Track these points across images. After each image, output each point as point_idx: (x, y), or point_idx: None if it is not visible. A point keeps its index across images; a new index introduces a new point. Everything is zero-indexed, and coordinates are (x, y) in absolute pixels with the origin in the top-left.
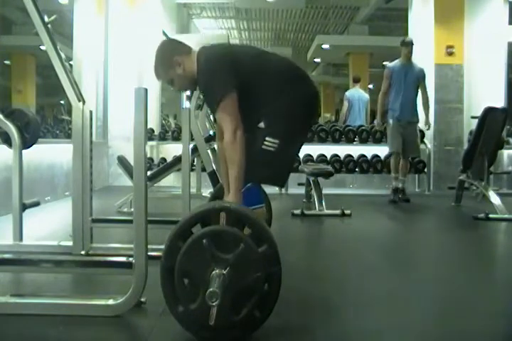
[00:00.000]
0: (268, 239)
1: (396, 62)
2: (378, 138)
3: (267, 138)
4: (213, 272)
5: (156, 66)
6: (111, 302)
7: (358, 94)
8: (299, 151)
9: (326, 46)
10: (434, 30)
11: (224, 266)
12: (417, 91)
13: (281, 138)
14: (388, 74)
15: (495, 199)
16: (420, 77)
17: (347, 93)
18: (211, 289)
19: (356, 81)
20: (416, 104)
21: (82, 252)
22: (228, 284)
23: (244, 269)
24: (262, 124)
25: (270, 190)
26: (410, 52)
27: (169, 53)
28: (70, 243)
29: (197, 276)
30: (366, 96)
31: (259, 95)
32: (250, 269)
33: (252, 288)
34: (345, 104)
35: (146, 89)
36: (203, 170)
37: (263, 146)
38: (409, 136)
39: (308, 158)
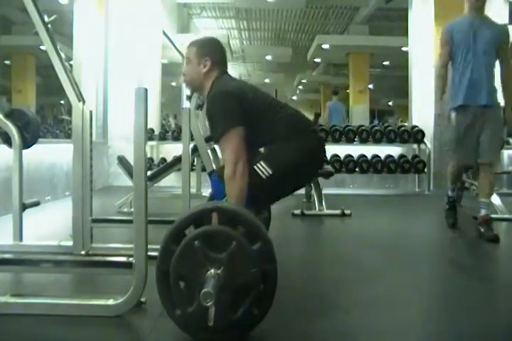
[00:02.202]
0: (262, 236)
1: (459, 20)
2: (378, 138)
3: (261, 162)
4: (208, 272)
5: (196, 44)
6: (111, 302)
7: (335, 105)
8: (286, 194)
9: (326, 46)
10: (434, 30)
11: (218, 266)
12: (495, 61)
13: (276, 171)
14: (446, 37)
15: (495, 199)
16: (500, 38)
17: (327, 103)
18: (205, 290)
19: (335, 93)
20: (493, 80)
21: (82, 252)
22: (224, 283)
23: (239, 267)
24: (262, 150)
25: None
26: (482, 1)
27: (212, 52)
28: (70, 243)
29: (192, 278)
30: (342, 108)
31: (265, 133)
32: (245, 267)
33: (248, 285)
34: (327, 111)
35: (146, 89)
36: (203, 170)
37: (255, 166)
38: (486, 129)
39: None
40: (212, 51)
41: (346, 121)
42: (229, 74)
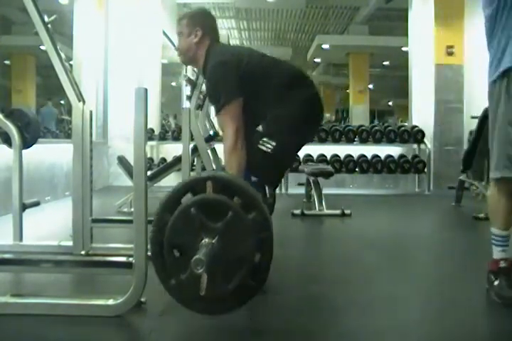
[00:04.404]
0: (257, 205)
1: None
2: (378, 138)
3: (264, 139)
4: (202, 241)
5: (186, 16)
6: (111, 302)
7: None
8: (297, 152)
9: (326, 46)
10: (434, 30)
11: (213, 236)
12: None
13: (278, 141)
14: None
15: None
16: None
17: None
18: (196, 256)
19: None
20: None
21: (82, 252)
22: (218, 252)
23: (234, 237)
24: (260, 128)
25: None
26: None
27: (201, 21)
28: (70, 243)
29: (186, 247)
30: None
31: (260, 100)
32: (240, 237)
33: (243, 255)
34: None
35: (146, 89)
36: (203, 170)
37: (259, 145)
38: None
39: (308, 158)
40: (202, 21)
41: None
42: (221, 42)
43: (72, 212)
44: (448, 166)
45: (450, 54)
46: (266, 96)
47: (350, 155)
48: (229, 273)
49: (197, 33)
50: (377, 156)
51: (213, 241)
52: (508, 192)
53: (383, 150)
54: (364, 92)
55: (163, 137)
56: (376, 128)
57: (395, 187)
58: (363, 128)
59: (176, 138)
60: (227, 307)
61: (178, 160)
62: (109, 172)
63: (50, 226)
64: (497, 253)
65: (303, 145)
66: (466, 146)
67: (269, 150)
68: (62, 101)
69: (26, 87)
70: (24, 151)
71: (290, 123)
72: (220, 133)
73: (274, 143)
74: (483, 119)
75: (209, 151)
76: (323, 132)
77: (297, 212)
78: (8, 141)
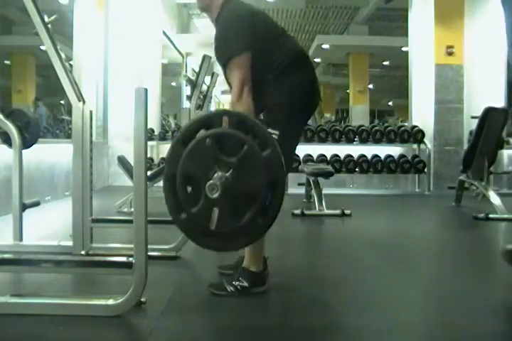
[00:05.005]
0: (272, 143)
1: None
2: (378, 138)
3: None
4: (216, 174)
5: None
6: (111, 302)
7: None
8: (298, 141)
9: (326, 46)
10: (434, 30)
11: (227, 169)
12: None
13: (281, 129)
14: None
15: (495, 199)
16: None
17: None
18: (211, 181)
19: None
20: None
21: (82, 252)
22: (230, 187)
23: (248, 172)
24: (261, 116)
25: None
26: None
27: None
28: (70, 243)
29: (199, 179)
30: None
31: (261, 72)
32: (253, 173)
33: (254, 192)
34: None
35: (146, 89)
36: None
37: None
38: None
39: (308, 158)
40: None
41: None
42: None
43: (72, 212)
44: (448, 166)
45: (450, 54)
46: (267, 70)
47: (350, 155)
48: (240, 209)
49: None
50: (377, 156)
51: (227, 174)
52: None
53: (383, 150)
54: (364, 92)
55: (163, 137)
56: (376, 128)
57: (395, 188)
58: (363, 128)
59: None
60: (234, 245)
61: None
62: (109, 172)
63: (50, 226)
64: None
65: (301, 133)
66: (466, 146)
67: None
68: (62, 101)
69: (26, 87)
70: (24, 151)
71: (289, 112)
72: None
73: (277, 132)
74: (483, 119)
75: None
76: (323, 132)
77: (297, 212)
78: (8, 141)
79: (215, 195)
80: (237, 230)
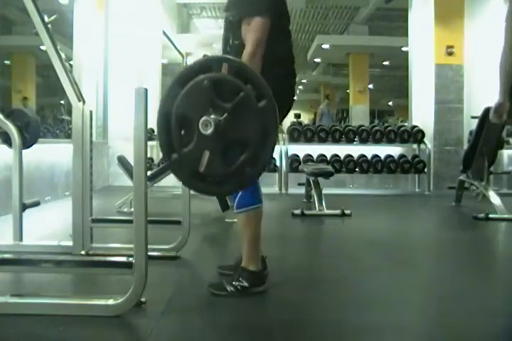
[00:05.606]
0: (267, 94)
1: None
2: (378, 138)
3: None
4: (210, 116)
5: None
6: (111, 302)
7: (326, 108)
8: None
9: (326, 46)
10: (434, 30)
11: (221, 114)
12: None
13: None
14: None
15: (495, 199)
16: None
17: (321, 106)
18: (204, 118)
19: (327, 97)
20: None
21: (82, 252)
22: (222, 129)
23: (241, 119)
24: None
25: (270, 190)
26: None
27: None
28: (70, 243)
29: (193, 120)
30: (331, 111)
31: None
32: (246, 120)
33: (245, 140)
34: (319, 112)
35: (146, 89)
36: None
37: None
38: None
39: (308, 158)
40: None
41: (336, 122)
42: None
43: (72, 212)
44: (448, 166)
45: (450, 54)
46: (273, 51)
47: (350, 155)
48: (230, 155)
49: None
50: (377, 156)
51: (221, 118)
52: None
53: (383, 150)
54: (364, 92)
55: None
56: (376, 128)
57: (395, 187)
58: (363, 128)
59: None
60: (222, 190)
61: None
62: (109, 172)
63: (50, 226)
64: None
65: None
66: (466, 146)
67: None
68: (62, 101)
69: (26, 87)
70: (24, 151)
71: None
72: None
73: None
74: (483, 119)
75: None
76: (323, 132)
77: (297, 212)
78: (8, 141)
79: (209, 132)
80: (225, 176)
